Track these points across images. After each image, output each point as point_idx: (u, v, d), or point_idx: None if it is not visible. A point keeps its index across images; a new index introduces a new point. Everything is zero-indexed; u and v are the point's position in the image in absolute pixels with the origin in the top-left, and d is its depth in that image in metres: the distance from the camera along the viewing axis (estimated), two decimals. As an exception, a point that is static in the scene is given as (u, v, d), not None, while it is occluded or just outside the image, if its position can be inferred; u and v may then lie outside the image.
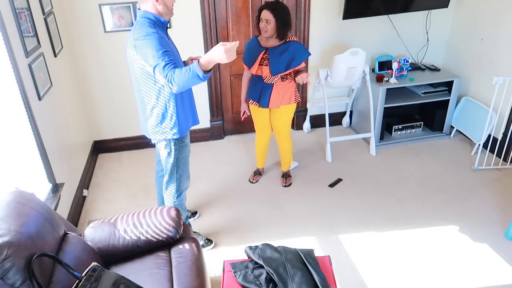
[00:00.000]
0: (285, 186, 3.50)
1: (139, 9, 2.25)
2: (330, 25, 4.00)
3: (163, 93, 2.30)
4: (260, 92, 3.10)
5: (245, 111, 3.30)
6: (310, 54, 3.17)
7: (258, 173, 3.63)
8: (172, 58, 2.13)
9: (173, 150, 2.48)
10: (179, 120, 2.40)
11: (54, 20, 3.22)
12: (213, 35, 3.81)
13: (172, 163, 2.53)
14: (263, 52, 2.98)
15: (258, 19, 2.91)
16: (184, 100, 2.42)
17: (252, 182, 3.57)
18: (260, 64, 3.01)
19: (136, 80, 2.34)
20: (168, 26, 2.40)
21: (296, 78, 2.94)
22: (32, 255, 1.61)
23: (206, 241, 2.86)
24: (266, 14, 2.84)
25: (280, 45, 2.96)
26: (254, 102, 3.17)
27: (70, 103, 3.47)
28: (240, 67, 3.81)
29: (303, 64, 3.03)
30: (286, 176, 3.57)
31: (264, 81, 3.06)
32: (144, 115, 2.44)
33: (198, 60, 2.06)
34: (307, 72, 3.06)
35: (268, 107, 3.13)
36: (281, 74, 3.01)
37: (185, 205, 2.81)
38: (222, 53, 1.97)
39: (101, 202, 3.39)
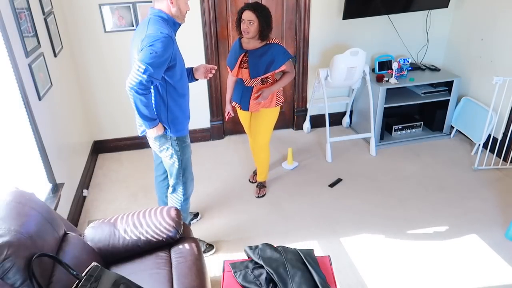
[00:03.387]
0: (258, 197, 3.38)
1: (153, 7, 2.25)
2: (330, 25, 4.00)
3: (156, 93, 2.30)
4: (241, 95, 3.04)
5: (229, 112, 3.18)
6: (292, 57, 2.99)
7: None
8: (156, 77, 2.14)
9: (175, 151, 2.46)
10: (175, 121, 2.39)
11: (54, 20, 3.22)
12: (213, 35, 3.81)
13: (177, 166, 2.51)
14: (242, 54, 2.90)
15: (239, 21, 2.81)
16: (179, 100, 2.40)
17: (252, 182, 3.57)
18: (240, 67, 2.94)
19: None
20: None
21: (261, 94, 2.91)
22: (32, 255, 1.61)
23: (207, 246, 2.83)
24: (249, 15, 2.74)
25: (260, 47, 2.87)
26: (237, 105, 3.12)
27: (70, 103, 3.47)
28: (240, 67, 3.81)
29: (283, 67, 2.91)
30: (260, 186, 3.44)
31: (245, 84, 3.00)
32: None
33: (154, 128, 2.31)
34: (293, 73, 2.98)
35: (248, 110, 3.07)
36: (261, 77, 2.93)
37: (189, 210, 2.81)
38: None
39: (101, 202, 3.39)
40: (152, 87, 2.22)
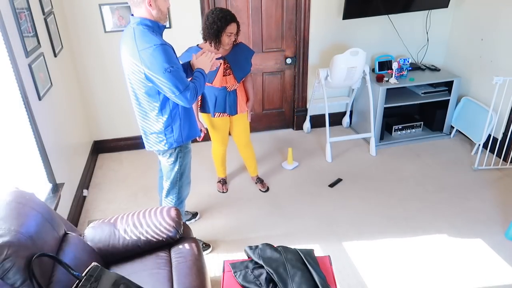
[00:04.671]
0: (264, 191, 3.42)
1: (132, 15, 2.17)
2: (330, 25, 4.00)
3: (167, 103, 2.27)
4: (225, 101, 2.98)
5: (201, 129, 3.03)
6: (254, 52, 3.07)
7: (224, 182, 3.53)
8: (185, 78, 2.19)
9: (178, 158, 2.46)
10: (186, 127, 2.38)
11: (54, 20, 3.22)
12: (213, 35, 3.81)
13: (176, 171, 2.51)
14: (222, 62, 2.75)
15: (220, 32, 2.69)
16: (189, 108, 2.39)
17: (223, 192, 3.47)
18: (224, 75, 2.88)
19: (136, 91, 2.25)
20: (168, 26, 2.38)
21: (248, 112, 3.11)
22: (32, 255, 1.61)
23: (204, 245, 2.83)
24: (234, 27, 2.72)
25: (232, 49, 2.89)
26: (221, 114, 3.02)
27: (70, 103, 3.47)
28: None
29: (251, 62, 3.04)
30: (260, 180, 3.49)
31: (228, 89, 2.95)
32: (146, 125, 2.37)
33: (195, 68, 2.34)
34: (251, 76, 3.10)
35: (237, 113, 3.05)
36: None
37: (184, 212, 2.80)
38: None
39: (101, 202, 3.39)
40: (161, 99, 2.24)
